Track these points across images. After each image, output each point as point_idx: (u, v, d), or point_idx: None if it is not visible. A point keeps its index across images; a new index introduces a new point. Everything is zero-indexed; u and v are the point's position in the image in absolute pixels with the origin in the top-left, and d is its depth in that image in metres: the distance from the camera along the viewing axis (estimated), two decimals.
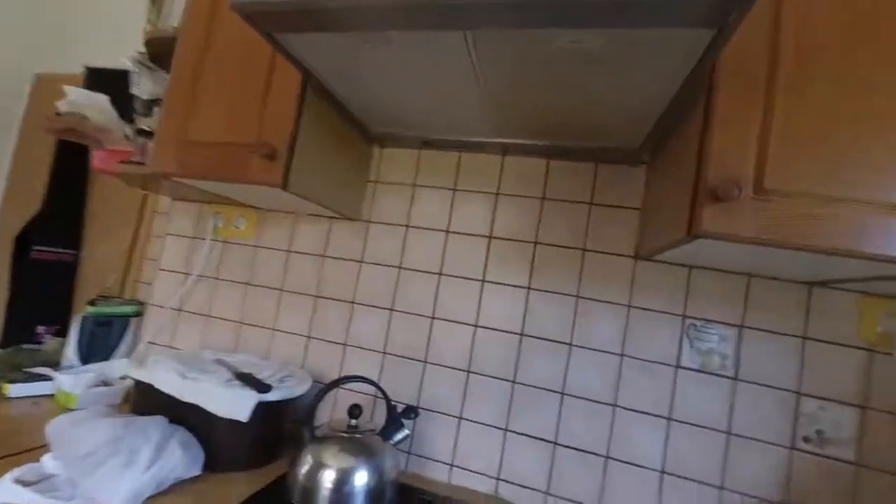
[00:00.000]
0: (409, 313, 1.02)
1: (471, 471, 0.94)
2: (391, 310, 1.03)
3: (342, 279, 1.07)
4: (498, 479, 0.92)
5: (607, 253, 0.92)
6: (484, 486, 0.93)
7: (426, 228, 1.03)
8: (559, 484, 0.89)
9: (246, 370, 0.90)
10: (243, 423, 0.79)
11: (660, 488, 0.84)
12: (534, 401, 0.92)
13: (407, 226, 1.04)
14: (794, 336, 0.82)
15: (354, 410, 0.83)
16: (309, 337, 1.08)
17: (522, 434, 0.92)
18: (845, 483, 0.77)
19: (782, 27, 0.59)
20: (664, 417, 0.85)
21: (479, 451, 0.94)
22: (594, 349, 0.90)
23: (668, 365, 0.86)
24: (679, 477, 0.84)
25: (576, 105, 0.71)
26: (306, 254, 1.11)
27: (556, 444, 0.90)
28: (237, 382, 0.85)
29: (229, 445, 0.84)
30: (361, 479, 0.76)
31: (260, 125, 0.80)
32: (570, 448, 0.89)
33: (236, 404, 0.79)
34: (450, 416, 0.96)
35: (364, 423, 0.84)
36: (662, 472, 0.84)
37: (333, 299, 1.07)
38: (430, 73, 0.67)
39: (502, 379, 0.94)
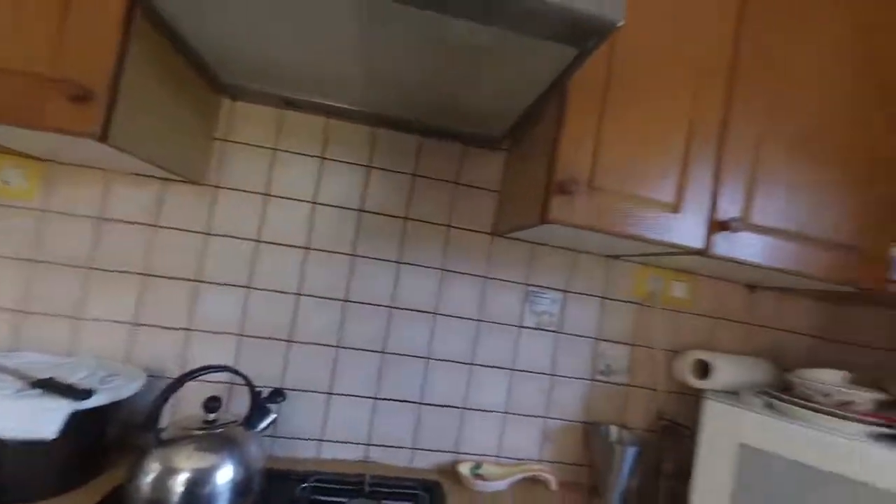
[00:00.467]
0: (270, 291, 0.94)
1: (341, 442, 0.96)
2: (248, 287, 0.93)
3: (181, 254, 0.91)
4: (368, 444, 0.96)
5: (469, 230, 1.01)
6: (354, 454, 0.96)
7: (290, 198, 0.95)
8: (424, 438, 0.99)
9: (44, 374, 0.70)
10: (49, 441, 0.63)
11: (503, 425, 1.02)
12: (402, 368, 0.98)
13: (267, 194, 0.94)
14: (598, 296, 1.07)
15: (211, 403, 0.74)
16: (135, 324, 0.89)
17: (391, 399, 0.98)
18: (620, 399, 1.07)
19: (616, 59, 0.73)
20: (509, 369, 1.03)
21: (350, 422, 0.96)
22: (456, 316, 1.00)
23: (514, 325, 1.03)
24: (517, 414, 1.03)
25: (456, 90, 0.74)
26: (128, 222, 0.89)
27: (421, 403, 0.99)
28: (35, 392, 0.65)
29: (30, 472, 0.65)
30: (225, 475, 0.69)
31: (57, 49, 0.59)
32: (434, 405, 0.99)
33: (38, 420, 0.61)
34: (319, 392, 0.95)
35: (223, 416, 0.76)
36: (506, 412, 1.02)
37: (169, 278, 0.90)
38: (310, 25, 0.60)
39: (372, 351, 0.97)
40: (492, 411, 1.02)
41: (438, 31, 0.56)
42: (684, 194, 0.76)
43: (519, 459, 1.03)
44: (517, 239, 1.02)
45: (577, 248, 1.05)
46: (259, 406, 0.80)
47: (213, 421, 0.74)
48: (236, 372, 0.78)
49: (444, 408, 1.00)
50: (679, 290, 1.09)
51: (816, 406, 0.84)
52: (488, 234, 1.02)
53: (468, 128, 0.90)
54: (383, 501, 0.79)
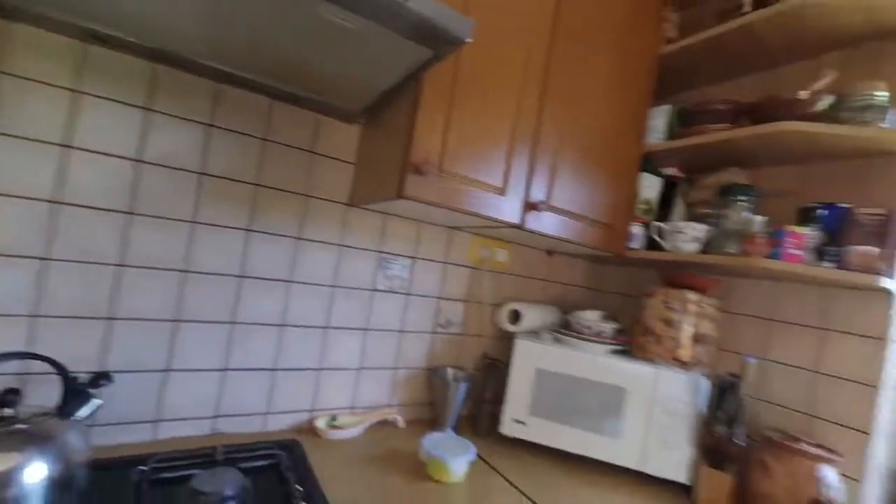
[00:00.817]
0: (79, 262, 0.79)
1: (184, 419, 0.90)
2: (44, 259, 0.76)
3: None
4: (216, 417, 0.94)
5: (326, 199, 1.03)
6: (200, 429, 0.92)
7: (102, 153, 0.80)
8: (279, 402, 1.01)
9: None
10: None
11: (358, 380, 1.12)
12: (255, 337, 0.97)
13: (67, 146, 0.77)
14: (441, 262, 1.24)
15: (7, 397, 0.62)
16: None
17: (242, 370, 0.96)
18: (456, 347, 1.29)
19: (462, 59, 0.85)
20: (362, 329, 1.12)
21: (195, 397, 0.91)
22: (312, 283, 1.03)
23: (367, 290, 1.11)
24: (370, 369, 1.14)
25: (315, 61, 0.74)
26: None
27: (275, 370, 1.00)
28: None
29: None
30: (36, 473, 0.60)
31: None
32: (289, 370, 1.02)
33: None
34: (154, 371, 0.87)
35: (24, 410, 0.64)
36: (360, 368, 1.12)
37: None
38: None
39: (220, 322, 0.93)
40: (347, 369, 1.10)
41: (308, 5, 0.57)
42: (509, 180, 0.95)
43: (372, 407, 1.15)
44: (371, 210, 1.09)
45: (424, 220, 1.18)
46: (75, 393, 0.70)
47: (14, 416, 0.62)
48: (37, 356, 0.66)
49: (300, 371, 1.03)
50: (501, 255, 1.35)
51: (582, 336, 1.19)
52: (345, 204, 1.06)
53: (325, 98, 0.90)
54: (241, 465, 0.80)
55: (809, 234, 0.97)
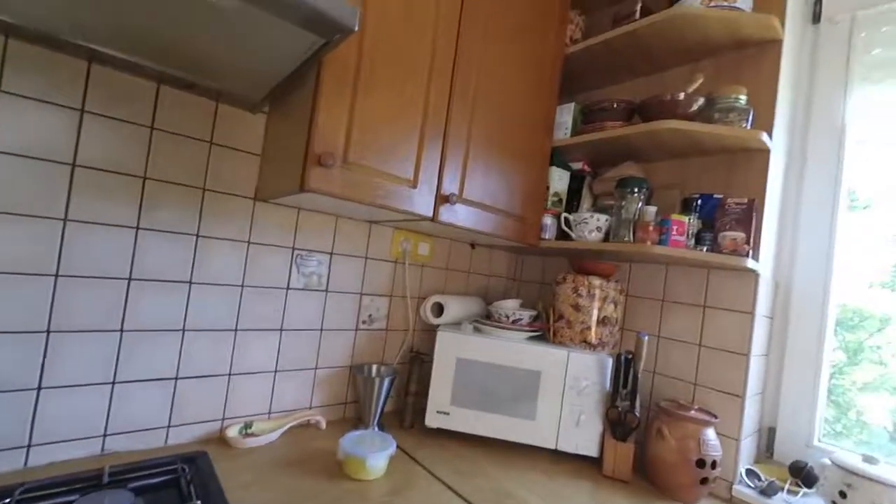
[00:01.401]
0: None
1: (62, 441, 0.81)
2: None
3: None
4: (105, 435, 0.85)
5: (229, 194, 0.97)
6: (85, 450, 0.83)
7: None
8: (184, 413, 0.94)
9: None
10: None
11: (274, 384, 1.07)
12: (151, 344, 0.89)
13: None
14: (360, 257, 1.22)
15: None
16: None
17: (137, 381, 0.88)
18: (380, 342, 1.28)
19: (364, 48, 0.84)
20: (277, 330, 1.07)
21: (77, 416, 0.82)
22: (216, 284, 0.97)
23: (281, 288, 1.07)
24: (288, 371, 1.09)
25: (194, 44, 0.70)
26: None
27: (178, 378, 0.93)
28: None
29: None
30: None
31: None
32: (194, 377, 0.95)
33: None
34: (19, 391, 0.76)
35: None
36: (276, 371, 1.07)
37: None
38: None
39: (105, 331, 0.84)
40: (262, 372, 1.05)
41: None
42: (420, 173, 0.96)
43: (291, 411, 1.11)
44: (282, 204, 1.05)
45: (340, 214, 1.15)
46: None
47: None
48: None
49: (208, 378, 0.97)
50: (423, 249, 1.36)
51: (500, 324, 1.23)
52: (251, 198, 1.01)
53: (221, 85, 0.85)
54: (131, 484, 0.73)
55: (689, 221, 1.09)
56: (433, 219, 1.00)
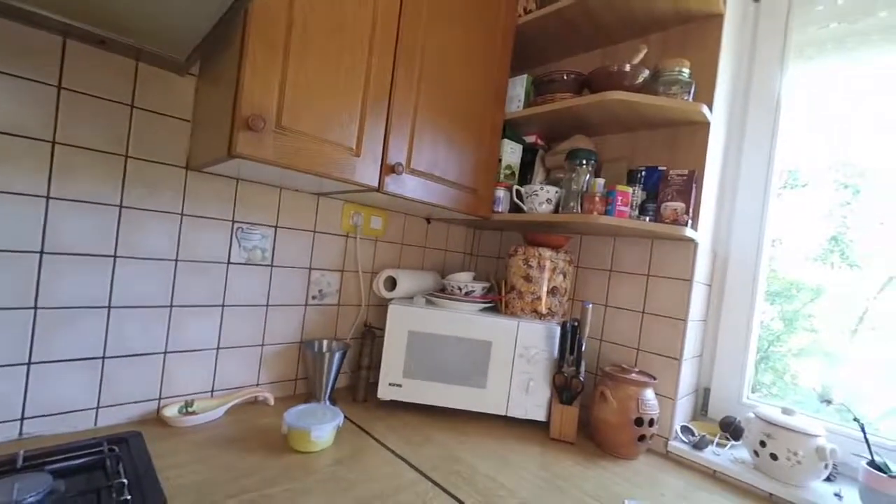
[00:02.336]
0: None
1: None
2: None
3: None
4: (23, 419, 0.79)
5: (157, 162, 0.91)
6: (1, 435, 0.78)
7: None
8: (114, 394, 0.89)
9: None
10: None
11: (216, 361, 1.03)
12: (72, 323, 0.83)
13: None
14: (309, 231, 1.18)
15: None
16: None
17: (57, 361, 0.82)
18: (332, 318, 1.26)
19: (295, 7, 0.78)
20: (218, 306, 1.03)
21: None
22: (146, 258, 0.91)
23: (221, 263, 1.02)
24: (231, 348, 1.06)
25: None
26: None
27: (105, 358, 0.87)
28: None
29: None
30: None
31: None
32: (125, 357, 0.90)
33: None
34: None
35: None
36: (218, 348, 1.03)
37: None
38: None
39: (15, 308, 0.77)
40: (201, 350, 1.01)
41: None
42: (363, 142, 0.93)
43: (236, 389, 1.07)
44: (219, 175, 0.99)
45: (285, 186, 1.11)
46: None
47: None
48: None
49: (141, 357, 0.92)
50: (376, 223, 1.33)
51: (453, 297, 1.23)
52: (182, 167, 0.95)
53: (138, 42, 0.78)
54: (51, 467, 0.69)
55: (634, 192, 1.11)
56: (379, 189, 0.97)
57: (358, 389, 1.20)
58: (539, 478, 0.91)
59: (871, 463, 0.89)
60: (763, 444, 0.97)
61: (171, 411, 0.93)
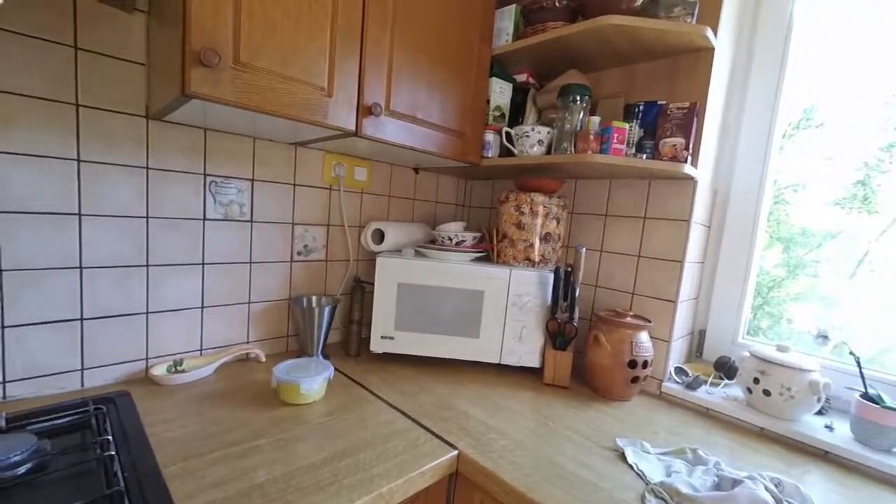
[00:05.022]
0: None
1: None
2: None
3: None
4: (4, 382, 0.78)
5: (113, 111, 0.84)
6: None
7: None
8: (98, 355, 0.88)
9: None
10: None
11: (202, 319, 1.01)
12: (38, 284, 0.80)
13: None
14: (289, 184, 1.13)
15: None
16: None
17: (30, 324, 0.80)
18: (320, 274, 1.23)
19: None
20: (198, 264, 0.99)
21: None
22: (114, 215, 0.86)
23: (196, 219, 0.98)
24: (217, 306, 1.03)
25: None
26: None
27: (83, 319, 0.85)
28: None
29: None
30: None
31: None
32: (103, 318, 0.87)
33: None
34: None
35: None
36: (203, 307, 1.01)
37: None
38: None
39: None
40: (186, 309, 0.98)
41: None
42: (335, 80, 0.85)
43: (225, 346, 1.06)
44: (184, 124, 0.92)
45: (257, 136, 1.04)
46: None
47: None
48: None
49: (121, 317, 0.90)
50: (360, 174, 1.27)
51: (444, 247, 1.20)
52: (143, 116, 0.88)
53: None
54: (34, 427, 0.69)
55: (630, 129, 1.04)
56: (357, 133, 0.90)
57: (350, 344, 1.19)
58: (531, 420, 0.91)
59: (865, 395, 0.89)
60: (757, 380, 0.96)
61: (159, 370, 0.92)
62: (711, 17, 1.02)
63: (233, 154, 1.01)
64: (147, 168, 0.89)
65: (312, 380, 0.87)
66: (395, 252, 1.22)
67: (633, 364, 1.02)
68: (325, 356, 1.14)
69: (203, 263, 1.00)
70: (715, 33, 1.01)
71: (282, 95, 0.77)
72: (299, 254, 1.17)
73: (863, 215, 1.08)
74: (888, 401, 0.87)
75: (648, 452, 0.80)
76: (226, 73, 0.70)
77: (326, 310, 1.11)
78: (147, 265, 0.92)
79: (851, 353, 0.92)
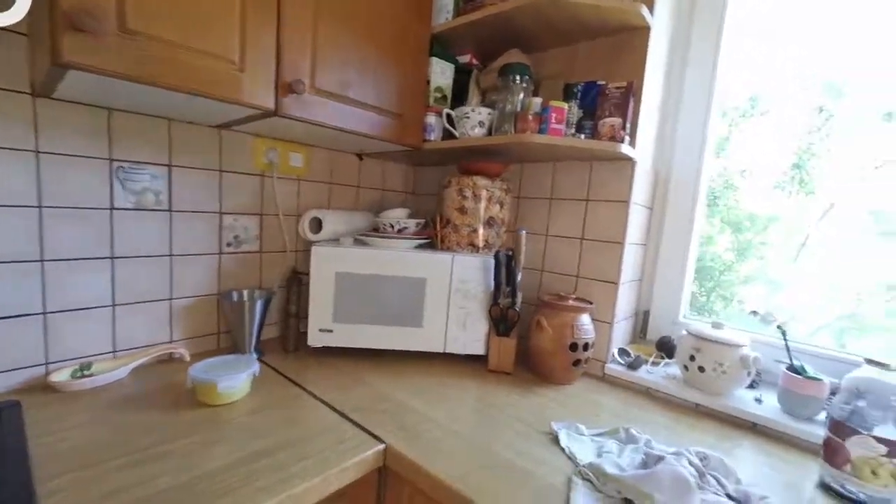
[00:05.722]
0: None
1: None
2: None
3: None
4: None
5: None
6: None
7: None
8: None
9: None
10: None
11: (113, 318, 0.93)
12: None
13: None
14: (213, 170, 1.05)
15: None
16: None
17: None
18: (254, 266, 1.16)
19: None
20: (107, 258, 0.90)
21: None
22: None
23: (102, 209, 0.89)
24: (132, 304, 0.95)
25: None
26: None
27: None
28: None
29: None
30: None
31: None
32: None
33: None
34: None
35: None
36: (114, 305, 0.93)
37: None
38: None
39: None
40: (94, 307, 0.90)
41: None
42: (247, 53, 0.78)
43: (145, 347, 0.98)
44: (79, 102, 0.83)
45: (172, 117, 0.95)
46: None
47: None
48: None
49: (14, 319, 0.80)
50: (296, 160, 1.20)
51: (385, 235, 1.15)
52: (28, 94, 0.78)
53: None
54: None
55: (569, 108, 1.02)
56: (277, 111, 0.84)
57: (288, 339, 1.13)
58: (472, 409, 0.89)
59: (791, 367, 0.92)
60: (692, 358, 0.98)
61: (61, 376, 0.83)
62: None
63: (144, 137, 0.92)
64: (37, 151, 0.80)
65: (232, 378, 0.81)
66: (333, 241, 1.16)
67: (574, 347, 1.02)
68: (259, 353, 1.08)
69: (113, 257, 0.91)
70: (651, 11, 1.00)
71: (183, 68, 0.70)
72: (229, 245, 1.10)
73: (801, 197, 1.11)
74: (811, 371, 0.90)
75: (583, 434, 0.80)
76: (111, 41, 0.63)
77: (259, 304, 1.05)
78: (41, 260, 0.82)
79: (779, 326, 0.94)
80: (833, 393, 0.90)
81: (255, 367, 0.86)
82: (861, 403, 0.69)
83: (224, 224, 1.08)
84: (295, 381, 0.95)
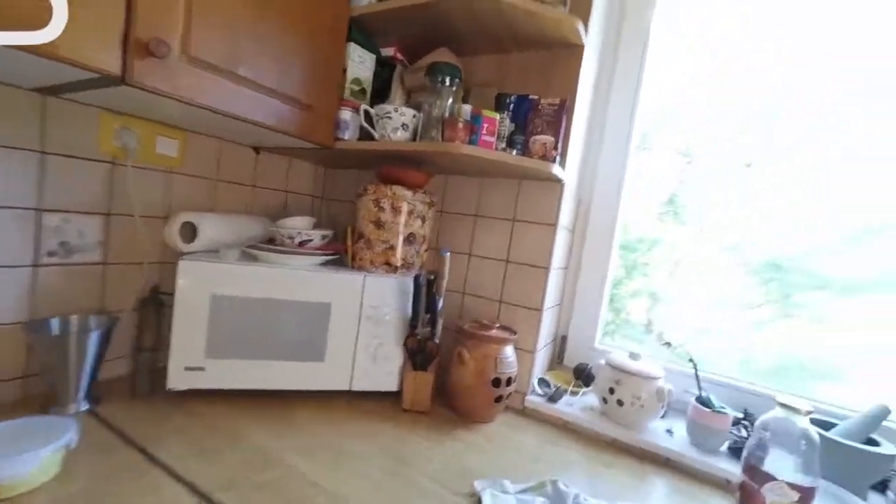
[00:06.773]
0: None
1: None
2: None
3: None
4: None
5: None
6: None
7: None
8: None
9: None
10: None
11: None
12: None
13: None
14: (34, 151, 0.75)
15: None
16: None
17: None
18: (93, 281, 0.87)
19: None
20: None
21: None
22: None
23: None
24: None
25: None
26: None
27: None
28: None
29: None
30: None
31: None
32: None
33: None
34: None
35: None
36: None
37: None
38: None
39: None
40: None
41: None
42: None
43: None
44: None
45: None
46: None
47: None
48: None
49: None
50: (166, 147, 0.94)
51: (283, 248, 0.95)
52: None
53: None
54: None
55: (501, 120, 0.94)
56: (124, 77, 0.61)
57: (140, 380, 0.86)
58: (378, 467, 0.74)
59: (699, 399, 0.93)
60: (612, 390, 0.95)
61: None
62: (583, 11, 0.96)
63: None
64: None
65: (18, 460, 0.55)
66: (212, 253, 0.92)
67: (496, 382, 0.92)
68: (95, 401, 0.80)
69: None
70: (586, 28, 0.96)
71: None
72: (52, 255, 0.80)
73: (683, 227, 1.19)
74: (716, 403, 0.92)
75: (507, 493, 0.70)
76: None
77: (93, 335, 0.77)
78: None
79: (691, 360, 0.96)
80: (735, 423, 0.93)
81: (67, 437, 0.60)
82: (773, 447, 0.69)
83: (45, 225, 0.78)
84: (138, 445, 0.70)
